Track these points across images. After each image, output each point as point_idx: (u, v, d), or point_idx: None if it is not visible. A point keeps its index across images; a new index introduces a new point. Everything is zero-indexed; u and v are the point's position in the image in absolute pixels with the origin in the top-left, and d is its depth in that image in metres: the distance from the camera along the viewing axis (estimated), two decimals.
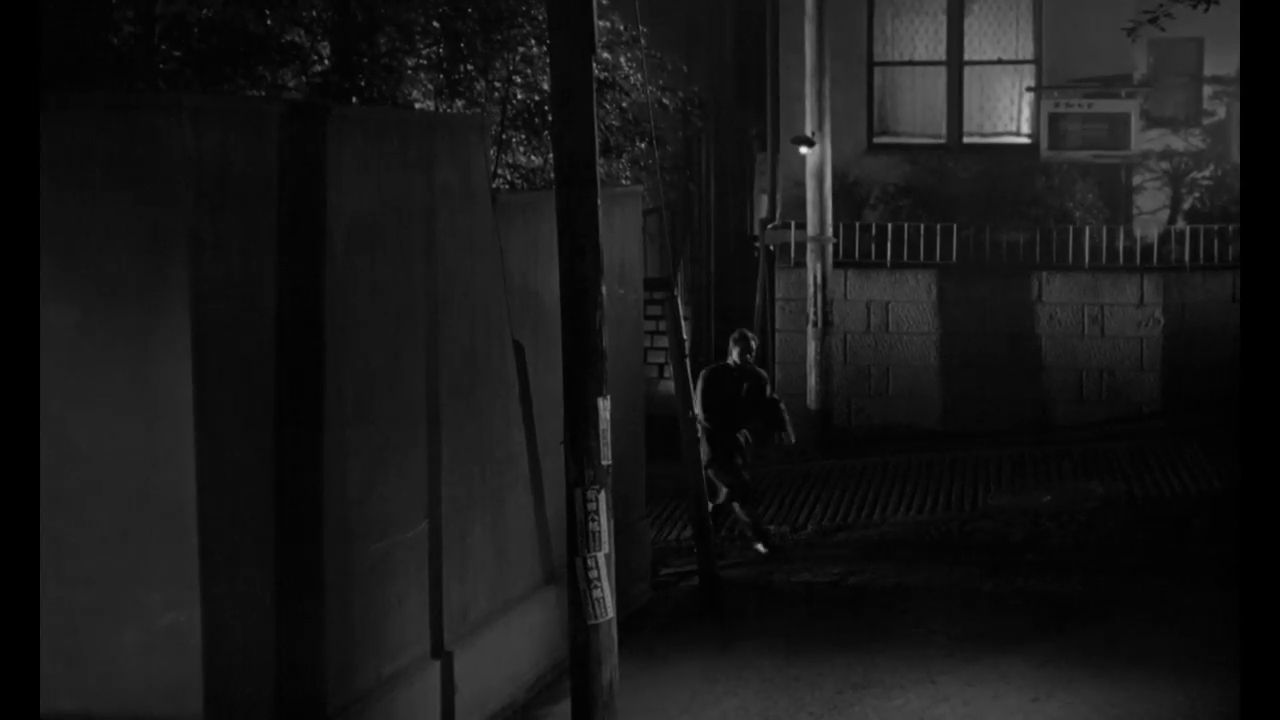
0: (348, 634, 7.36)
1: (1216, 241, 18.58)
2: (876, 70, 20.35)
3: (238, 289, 6.54)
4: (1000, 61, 20.13)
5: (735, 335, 14.15)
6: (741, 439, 13.84)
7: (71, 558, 6.27)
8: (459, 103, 11.78)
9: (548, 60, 9.32)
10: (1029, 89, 19.86)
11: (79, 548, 6.27)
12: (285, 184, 6.87)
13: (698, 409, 13.12)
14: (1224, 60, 18.80)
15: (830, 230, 18.65)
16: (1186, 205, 19.69)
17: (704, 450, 13.08)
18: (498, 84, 11.94)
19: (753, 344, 13.99)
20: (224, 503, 6.38)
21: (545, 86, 11.74)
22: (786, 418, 13.91)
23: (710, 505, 13.04)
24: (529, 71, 12.06)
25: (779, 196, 20.31)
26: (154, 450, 6.23)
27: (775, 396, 14.15)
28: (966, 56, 20.16)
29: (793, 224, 19.18)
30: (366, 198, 7.61)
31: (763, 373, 14.22)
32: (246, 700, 6.55)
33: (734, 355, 13.83)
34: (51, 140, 6.19)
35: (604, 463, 8.09)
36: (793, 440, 14.25)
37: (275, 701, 6.75)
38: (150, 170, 6.20)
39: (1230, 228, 18.42)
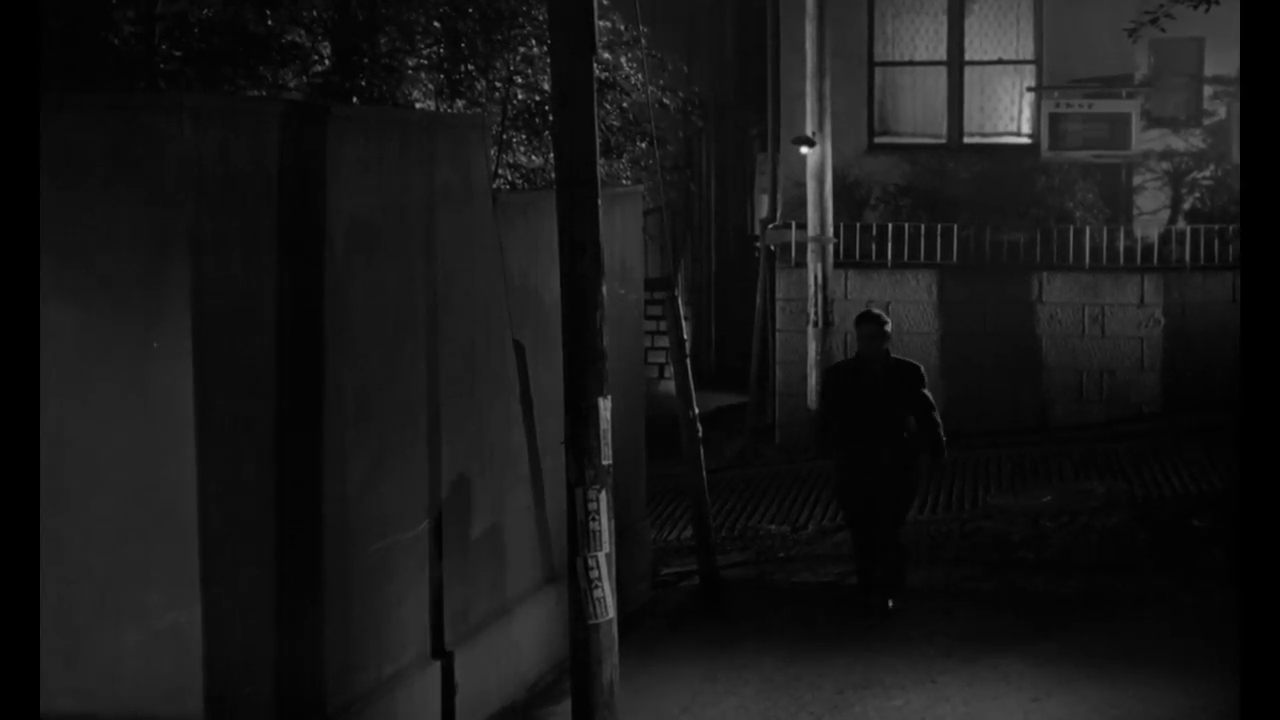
0: (348, 634, 7.36)
1: (1217, 241, 18.58)
2: (877, 70, 20.34)
3: (238, 289, 6.54)
4: (1001, 62, 20.13)
5: (858, 315, 11.36)
6: (872, 453, 10.77)
7: (71, 557, 6.27)
8: (460, 103, 11.78)
9: (548, 60, 9.32)
10: (1029, 89, 19.85)
11: (79, 547, 6.27)
12: (286, 184, 6.87)
13: (821, 415, 11.16)
14: (1225, 60, 18.78)
15: (831, 230, 18.65)
16: (1187, 205, 19.68)
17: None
18: (498, 84, 11.93)
19: (884, 325, 10.93)
20: (224, 502, 6.38)
21: (546, 86, 11.74)
22: (941, 434, 10.90)
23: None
24: (530, 71, 12.06)
25: (779, 196, 20.31)
26: (154, 449, 6.23)
27: (930, 400, 10.96)
28: (967, 57, 20.15)
29: (793, 224, 19.18)
30: (367, 197, 7.60)
31: (914, 365, 11.12)
32: (247, 700, 6.55)
33: (867, 339, 10.94)
34: (52, 140, 6.19)
35: (604, 462, 8.08)
36: (939, 470, 11.21)
37: (275, 701, 6.75)
38: (150, 170, 6.20)
39: (1231, 228, 18.43)
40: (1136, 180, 19.68)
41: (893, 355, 11.04)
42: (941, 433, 10.96)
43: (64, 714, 6.27)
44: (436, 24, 11.38)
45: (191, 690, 6.22)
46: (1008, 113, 20.22)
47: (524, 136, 12.28)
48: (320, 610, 7.12)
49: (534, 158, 12.50)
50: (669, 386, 18.08)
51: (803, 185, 18.77)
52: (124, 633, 6.27)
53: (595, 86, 7.81)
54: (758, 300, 20.28)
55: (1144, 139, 19.30)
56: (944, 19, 20.12)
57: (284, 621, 6.81)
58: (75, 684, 6.29)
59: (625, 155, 13.43)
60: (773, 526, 14.59)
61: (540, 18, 11.26)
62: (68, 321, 6.23)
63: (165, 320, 6.18)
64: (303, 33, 10.87)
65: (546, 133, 11.80)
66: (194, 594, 6.22)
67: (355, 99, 10.61)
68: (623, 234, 11.03)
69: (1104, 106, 19.16)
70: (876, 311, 11.20)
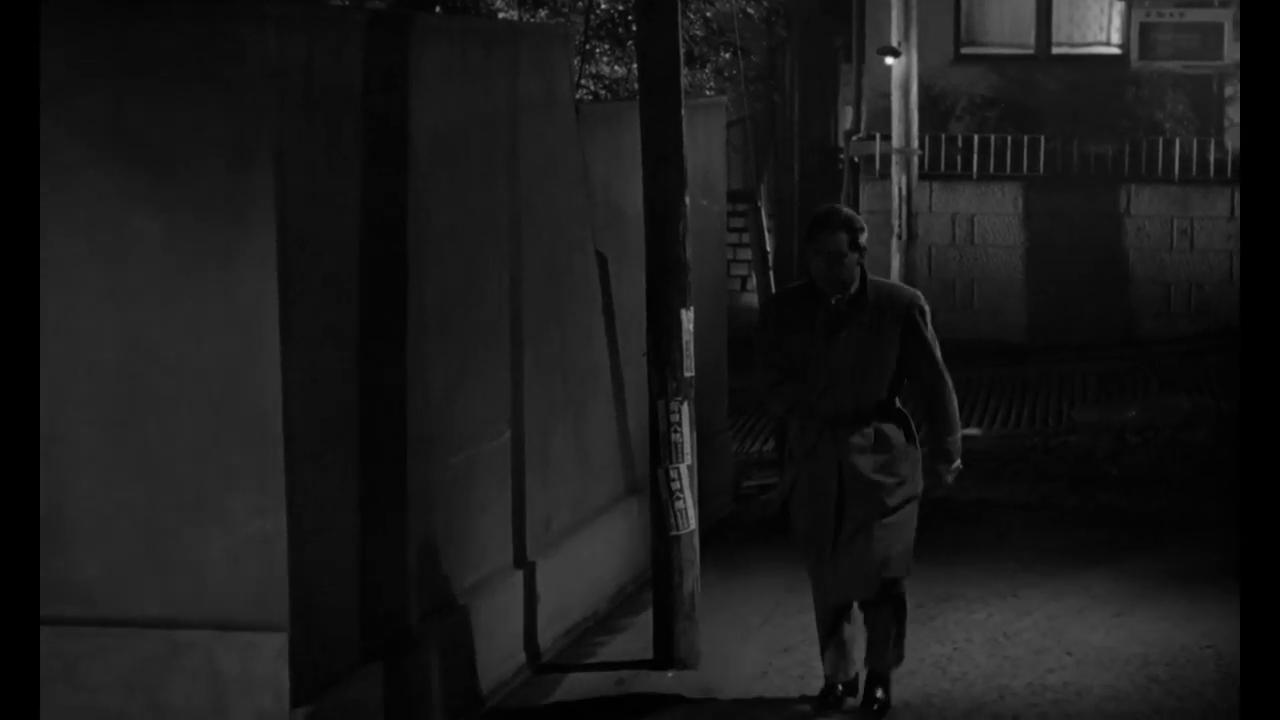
0: (431, 544, 7.40)
1: None
2: None
3: (322, 200, 6.55)
4: None
5: (814, 216, 7.37)
6: (836, 449, 7.16)
7: (157, 464, 6.32)
8: (542, 12, 11.74)
9: None
10: None
11: (166, 456, 6.32)
12: (369, 94, 6.86)
13: (761, 378, 7.33)
14: None
15: (915, 142, 18.49)
16: None
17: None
18: None
19: (855, 233, 7.11)
20: (309, 413, 6.41)
21: None
22: (953, 406, 7.27)
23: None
24: None
25: (864, 108, 20.16)
26: (240, 360, 6.26)
27: (934, 350, 7.23)
28: None
29: (877, 136, 19.04)
30: (450, 109, 7.58)
31: (908, 295, 7.32)
32: (331, 608, 6.60)
33: (819, 258, 7.12)
34: (135, 50, 6.21)
35: (686, 374, 8.09)
36: (950, 473, 7.31)
37: (359, 609, 6.80)
38: (234, 80, 6.19)
39: None
40: (1228, 91, 19.37)
41: (873, 281, 7.27)
42: (954, 404, 7.28)
43: (151, 619, 6.35)
44: None
45: (277, 597, 6.27)
46: (1097, 22, 19.94)
47: (607, 47, 12.24)
48: (403, 520, 7.16)
49: (617, 68, 12.45)
50: (751, 299, 18.03)
51: (887, 96, 18.60)
52: (210, 540, 6.32)
53: None
54: None
55: (1236, 49, 18.98)
56: None
57: (367, 531, 6.85)
58: (162, 590, 6.36)
59: (708, 66, 13.37)
60: None
61: None
62: (153, 231, 6.26)
63: (250, 230, 6.19)
64: None
65: (629, 43, 11.74)
66: (279, 502, 6.25)
67: (438, 8, 10.58)
68: (705, 145, 10.96)
69: (1196, 16, 18.87)
70: (846, 212, 7.28)
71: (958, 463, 7.34)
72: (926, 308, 7.27)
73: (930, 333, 7.25)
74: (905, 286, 7.49)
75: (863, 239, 7.16)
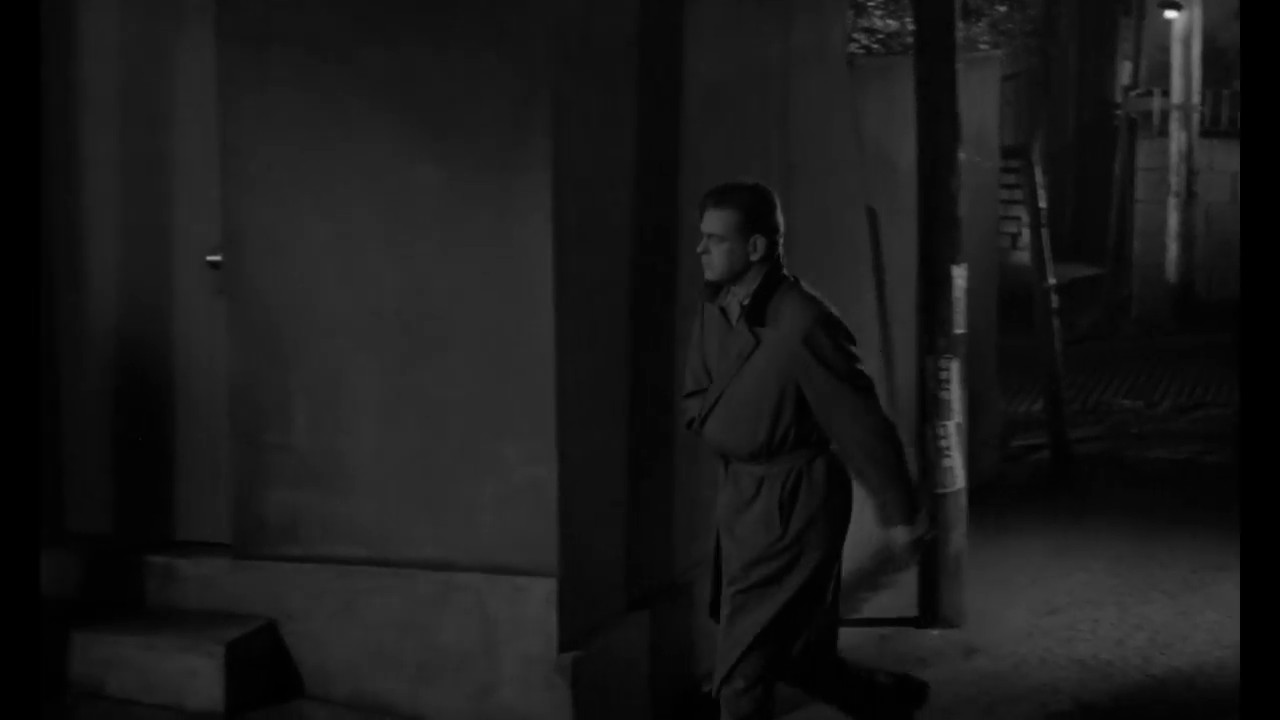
0: (695, 495, 7.43)
1: None
2: None
3: (597, 151, 6.61)
4: None
5: (710, 189, 5.61)
6: (728, 493, 5.72)
7: (433, 407, 6.45)
8: None
9: None
10: None
11: (442, 402, 6.45)
12: (644, 47, 6.89)
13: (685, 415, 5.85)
14: None
15: (1197, 98, 18.03)
16: None
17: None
18: None
19: (741, 215, 5.49)
20: (579, 361, 6.48)
21: None
22: (889, 465, 5.66)
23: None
24: None
25: (1142, 62, 19.72)
26: (514, 308, 6.36)
27: (839, 386, 5.47)
28: None
29: (1156, 91, 18.61)
30: (722, 61, 7.59)
31: (806, 306, 5.63)
32: (597, 557, 6.68)
33: (714, 260, 5.51)
34: (417, 4, 6.33)
35: (957, 331, 8.02)
36: (907, 534, 6.00)
37: (625, 558, 6.87)
38: (514, 33, 6.27)
39: None
40: None
41: (785, 291, 5.64)
42: (887, 455, 5.64)
43: (426, 561, 6.49)
44: None
45: (546, 544, 6.37)
46: None
47: (880, 0, 12.14)
48: (669, 471, 7.21)
49: (890, 21, 12.36)
50: (1020, 256, 17.77)
51: (1167, 51, 18.18)
52: (482, 484, 6.43)
53: None
54: (1115, 169, 19.76)
55: None
56: None
57: (634, 481, 6.91)
58: (436, 533, 6.50)
59: (984, 19, 13.20)
60: (1126, 401, 14.29)
61: None
62: (433, 181, 6.38)
63: (527, 181, 6.27)
64: None
65: None
66: (550, 449, 6.34)
67: None
68: (979, 100, 10.80)
69: None
70: (750, 190, 5.59)
71: (914, 526, 5.89)
72: (828, 336, 5.53)
73: (838, 367, 5.50)
74: (812, 305, 5.64)
75: (767, 229, 5.53)
